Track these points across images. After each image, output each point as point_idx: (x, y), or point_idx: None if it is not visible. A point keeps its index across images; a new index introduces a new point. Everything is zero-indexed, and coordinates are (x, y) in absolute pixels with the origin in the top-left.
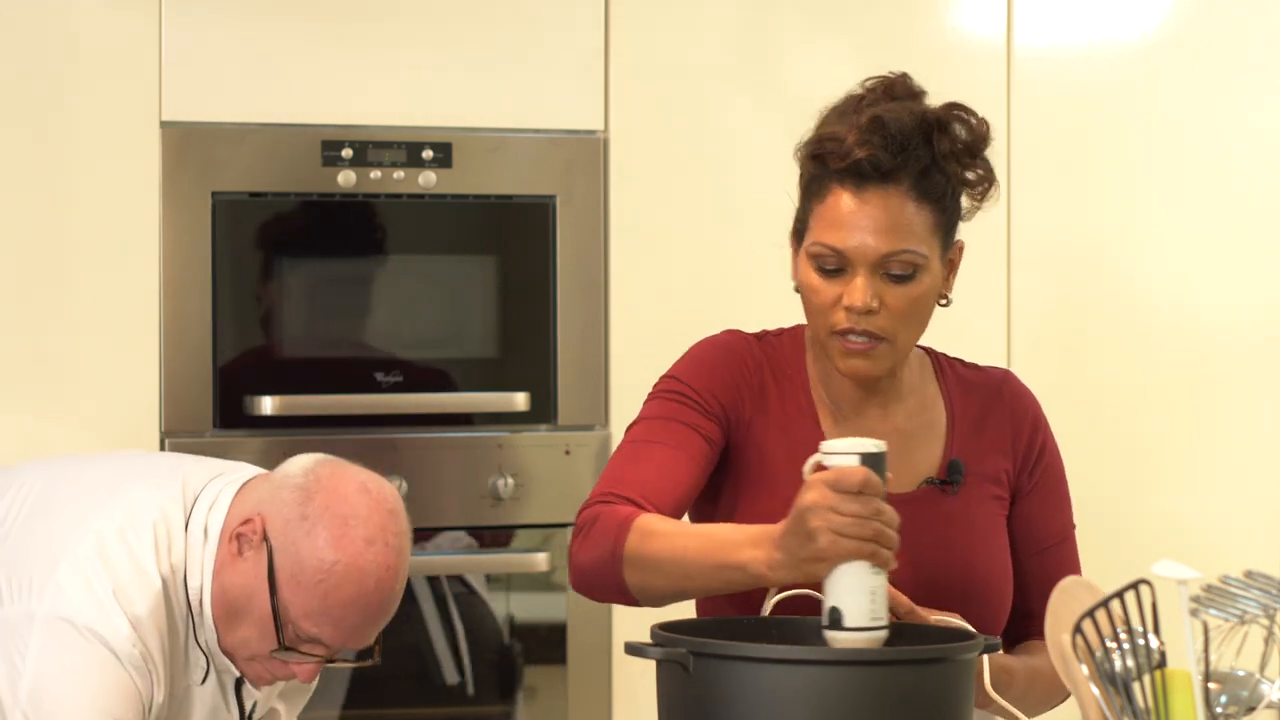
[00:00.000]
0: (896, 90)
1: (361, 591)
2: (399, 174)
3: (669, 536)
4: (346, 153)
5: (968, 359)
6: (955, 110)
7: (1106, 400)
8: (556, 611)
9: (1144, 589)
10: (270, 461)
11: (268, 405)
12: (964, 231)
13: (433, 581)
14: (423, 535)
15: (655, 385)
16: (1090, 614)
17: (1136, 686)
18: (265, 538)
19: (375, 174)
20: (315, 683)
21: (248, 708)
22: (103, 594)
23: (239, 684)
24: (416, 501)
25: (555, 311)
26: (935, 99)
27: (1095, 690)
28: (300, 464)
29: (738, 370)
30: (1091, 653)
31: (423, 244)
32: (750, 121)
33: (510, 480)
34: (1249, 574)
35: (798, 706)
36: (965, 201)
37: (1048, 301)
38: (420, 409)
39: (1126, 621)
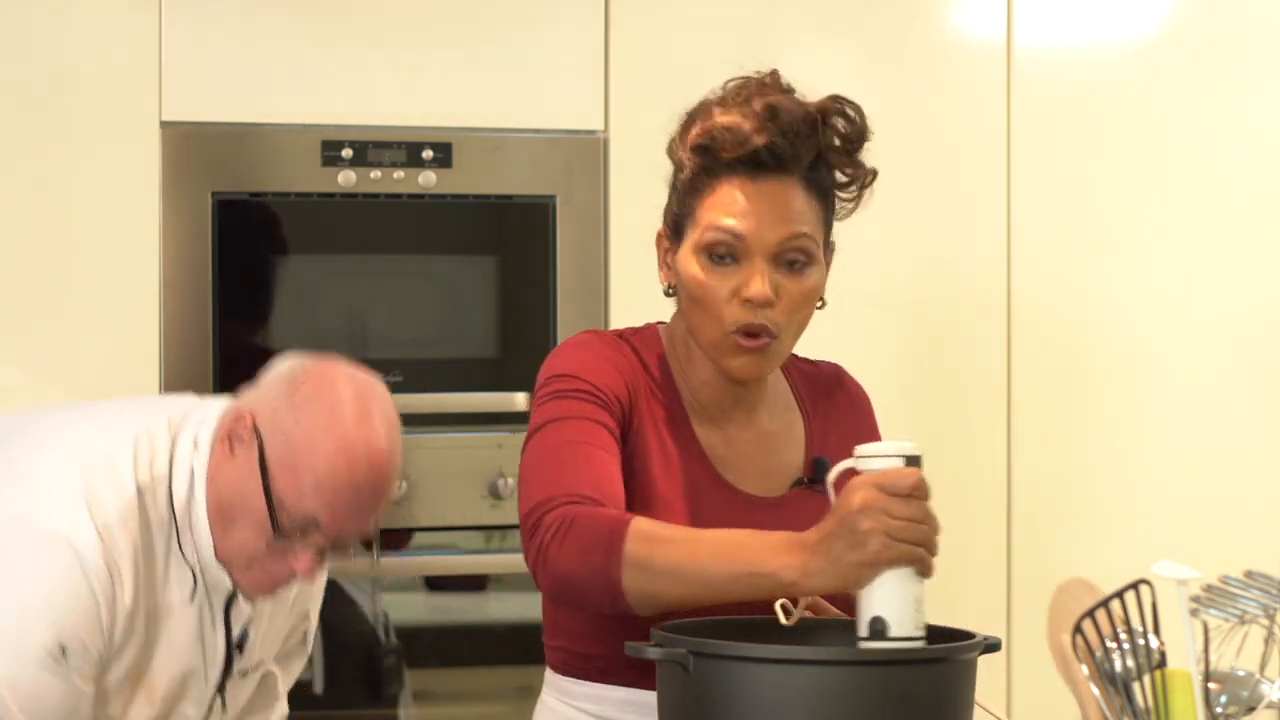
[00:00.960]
0: (769, 87)
1: (352, 468)
2: (399, 174)
3: (680, 543)
4: (346, 153)
5: (966, 358)
6: (837, 103)
7: (1107, 398)
8: None
9: (1144, 589)
10: None
11: None
12: (965, 232)
13: None
14: (422, 536)
15: (548, 385)
16: (1090, 614)
17: (1136, 686)
18: (255, 430)
19: (375, 174)
20: (310, 642)
21: (235, 632)
22: (72, 500)
23: (229, 605)
24: (416, 501)
25: (555, 311)
26: (935, 99)
27: (1095, 690)
28: (286, 362)
29: (627, 372)
30: (1091, 653)
31: (423, 244)
32: None
33: (510, 480)
34: (1249, 574)
35: (798, 706)
36: (839, 204)
37: (1048, 302)
38: (420, 409)
39: (1126, 621)
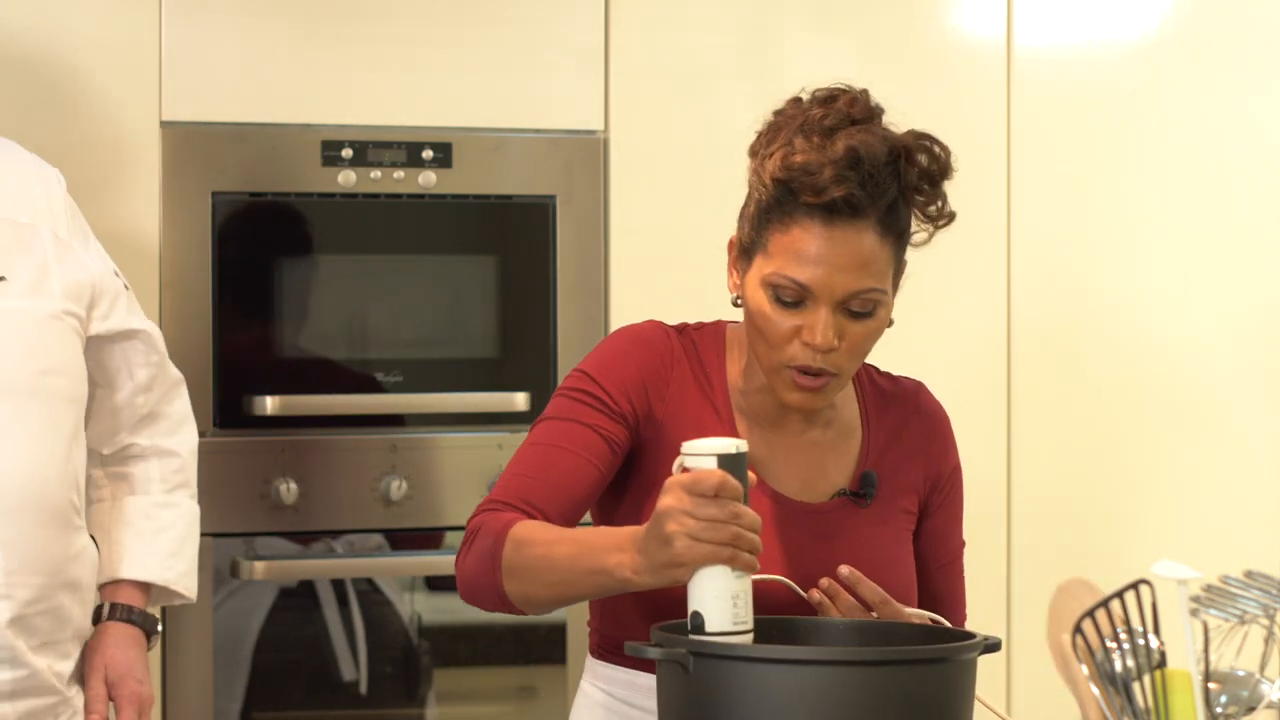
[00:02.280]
0: (857, 111)
1: None
2: (399, 174)
3: (543, 544)
4: (346, 153)
5: (966, 359)
6: (921, 139)
7: (1106, 400)
8: (555, 611)
9: (1144, 589)
10: (270, 462)
11: (268, 405)
12: (965, 232)
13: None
14: (423, 536)
15: (566, 379)
16: (1090, 614)
17: (1136, 686)
18: None
19: (375, 174)
20: (154, 346)
21: None
22: None
23: None
24: (417, 501)
25: (555, 311)
26: (935, 99)
27: (1095, 690)
28: None
29: (654, 367)
30: (1091, 653)
31: (423, 244)
32: (750, 121)
33: None
34: (1249, 574)
35: (798, 706)
36: (916, 228)
37: (1048, 302)
38: (420, 409)
39: (1126, 621)
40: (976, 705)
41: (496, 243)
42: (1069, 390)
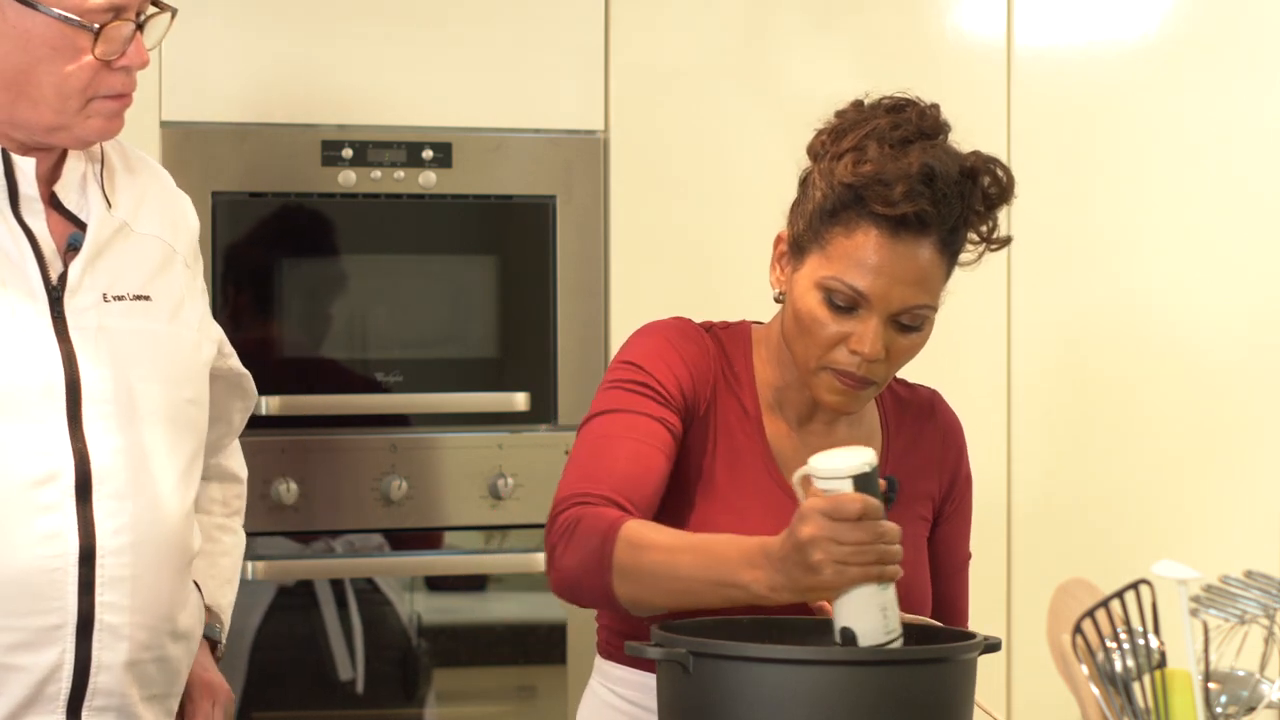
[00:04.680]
0: (928, 125)
1: None
2: (399, 174)
3: (663, 550)
4: (346, 153)
5: (966, 359)
6: (989, 162)
7: (1107, 401)
8: (555, 611)
9: (1144, 589)
10: (271, 462)
11: (269, 405)
12: None
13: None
14: (423, 536)
15: (612, 372)
16: (1090, 614)
17: (1136, 686)
18: None
19: (375, 174)
20: (253, 394)
21: (39, 229)
22: None
23: (15, 202)
24: (417, 501)
25: (555, 311)
26: (935, 99)
27: (1095, 690)
28: None
29: (697, 363)
30: (1091, 653)
31: (423, 244)
32: (750, 121)
33: (510, 480)
34: (1249, 574)
35: (798, 706)
36: (967, 248)
37: (1048, 302)
38: (420, 409)
39: (1126, 621)
40: (977, 708)
41: (496, 243)
42: (1069, 391)
